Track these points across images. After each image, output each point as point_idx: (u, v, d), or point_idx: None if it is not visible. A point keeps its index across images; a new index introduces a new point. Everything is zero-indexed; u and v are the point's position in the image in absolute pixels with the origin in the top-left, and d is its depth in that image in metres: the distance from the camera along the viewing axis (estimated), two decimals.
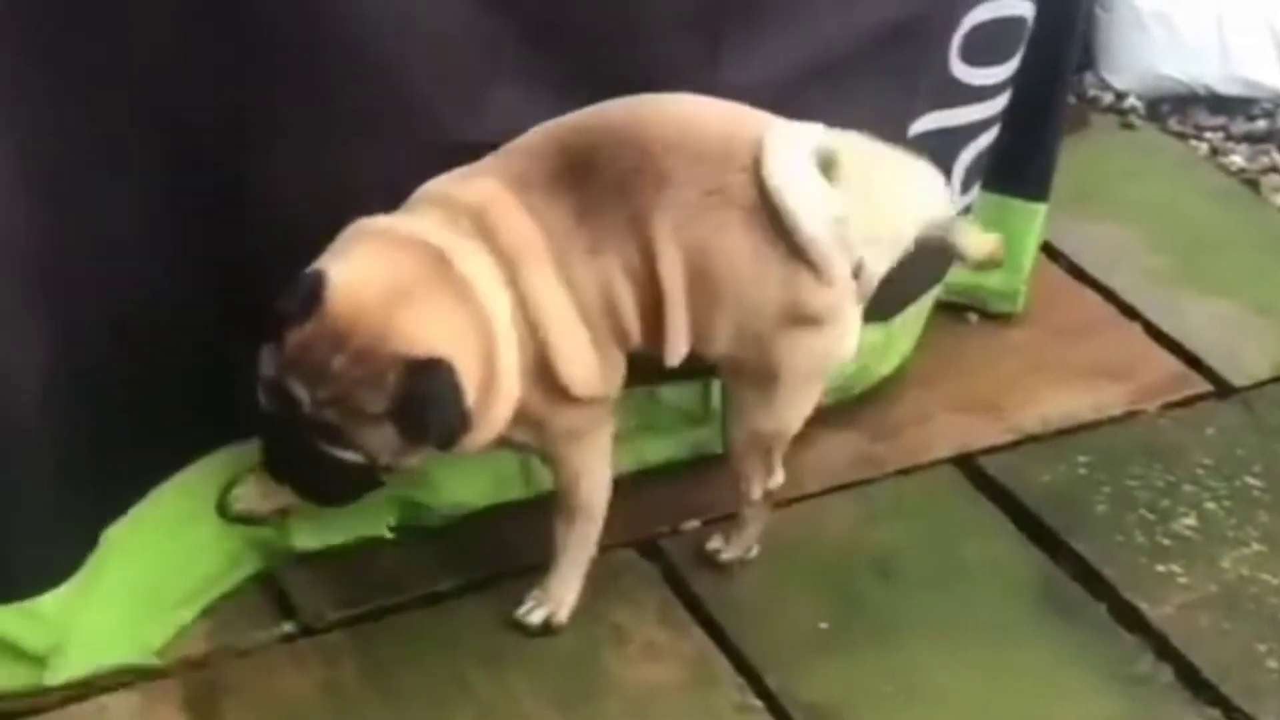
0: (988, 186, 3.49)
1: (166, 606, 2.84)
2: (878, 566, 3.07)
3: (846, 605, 2.99)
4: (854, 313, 2.74)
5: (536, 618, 2.87)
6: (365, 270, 2.43)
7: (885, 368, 3.43)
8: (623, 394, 2.77)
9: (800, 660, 2.87)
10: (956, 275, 3.54)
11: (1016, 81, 3.31)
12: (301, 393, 2.40)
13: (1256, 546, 3.16)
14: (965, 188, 3.35)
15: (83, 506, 2.69)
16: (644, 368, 2.74)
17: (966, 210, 3.40)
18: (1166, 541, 3.15)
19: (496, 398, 2.50)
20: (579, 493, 2.82)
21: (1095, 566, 3.08)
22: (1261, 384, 3.60)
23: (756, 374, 2.73)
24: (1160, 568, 3.10)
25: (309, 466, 2.50)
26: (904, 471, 3.30)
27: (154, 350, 2.69)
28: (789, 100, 2.89)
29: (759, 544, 3.02)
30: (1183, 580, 3.08)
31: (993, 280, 3.60)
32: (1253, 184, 4.36)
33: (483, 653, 2.84)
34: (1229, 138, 4.57)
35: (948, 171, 3.28)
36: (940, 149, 3.22)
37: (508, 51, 2.76)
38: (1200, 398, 3.55)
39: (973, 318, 3.69)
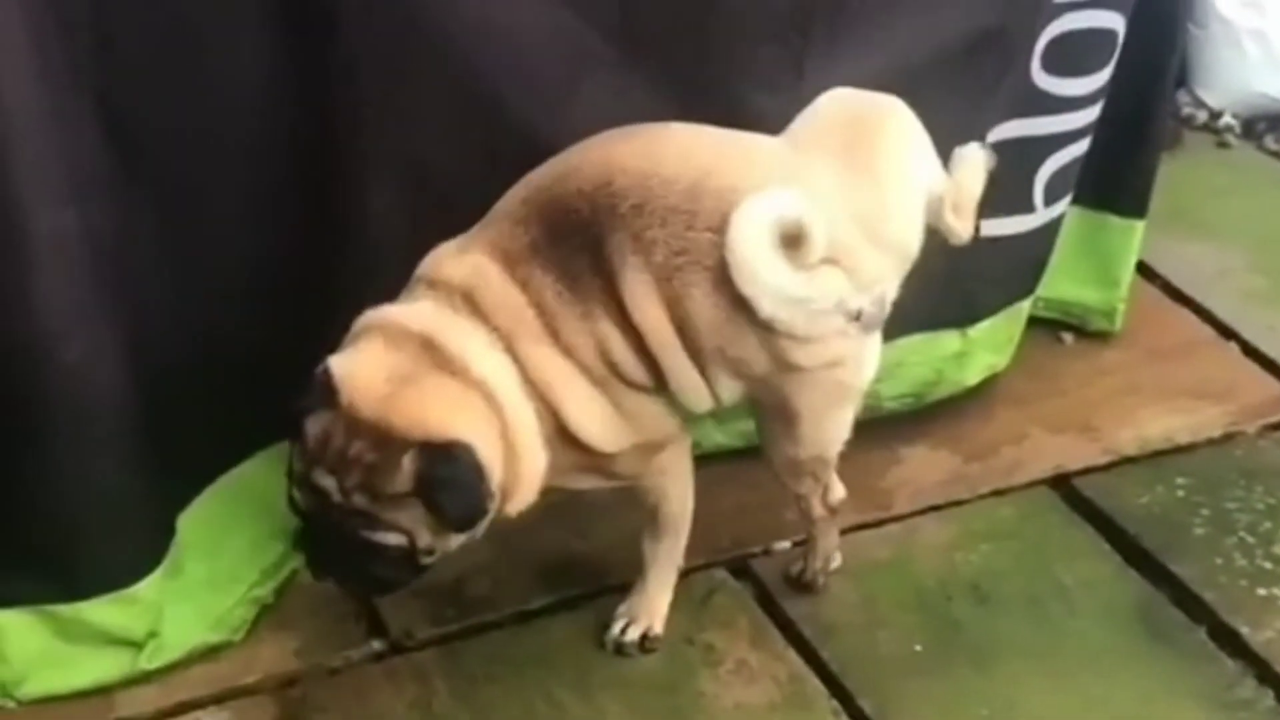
0: (1084, 203, 3.47)
1: (245, 586, 2.90)
2: (972, 589, 3.04)
3: (941, 627, 2.96)
4: (860, 346, 2.67)
5: (632, 635, 2.85)
6: (371, 360, 2.44)
7: (967, 377, 3.40)
8: None
9: (894, 683, 2.84)
10: (1052, 291, 3.52)
11: (1113, 97, 3.28)
12: (329, 482, 2.41)
13: None
14: (1050, 200, 3.32)
15: (160, 495, 2.75)
16: None
17: (1054, 224, 3.37)
18: (1267, 565, 3.10)
19: (522, 469, 2.48)
20: (663, 513, 2.81)
21: (1195, 590, 3.03)
22: None
23: (775, 410, 2.69)
24: (1261, 591, 3.05)
25: (352, 560, 2.49)
26: (998, 492, 3.26)
27: (222, 344, 2.74)
28: None
29: (840, 558, 3.00)
30: None
31: (1091, 297, 3.58)
32: None
33: (574, 672, 2.82)
34: None
35: (1029, 181, 3.27)
36: (1021, 157, 3.23)
37: (594, 55, 2.78)
38: None
39: (1068, 338, 3.66)
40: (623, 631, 2.85)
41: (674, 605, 2.88)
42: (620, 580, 2.91)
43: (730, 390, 2.61)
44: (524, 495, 2.50)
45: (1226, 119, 4.57)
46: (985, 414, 3.43)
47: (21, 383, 2.56)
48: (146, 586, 2.75)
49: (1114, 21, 3.18)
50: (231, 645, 2.85)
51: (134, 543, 2.76)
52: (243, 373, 2.75)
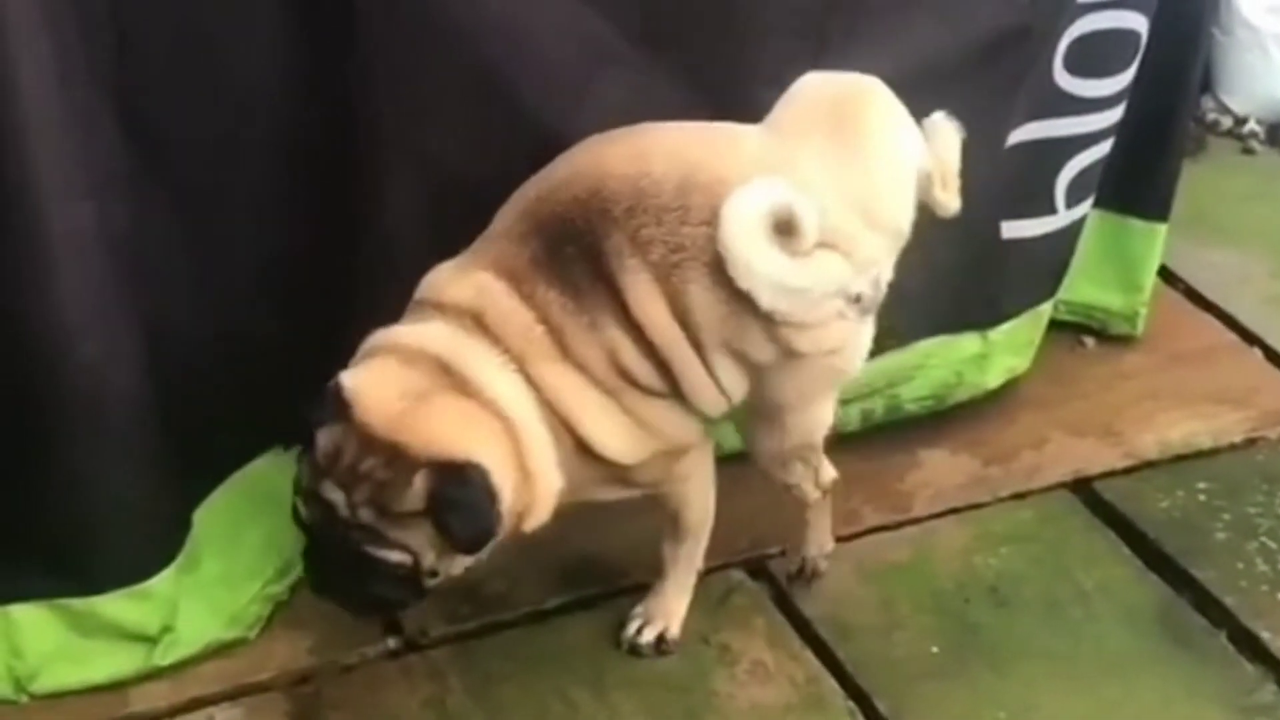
0: (1107, 206, 3.45)
1: (260, 583, 2.89)
2: (991, 592, 3.02)
3: (959, 630, 2.94)
4: (856, 332, 2.66)
5: (648, 636, 2.84)
6: (385, 377, 2.43)
7: (988, 380, 3.39)
8: None
9: (911, 684, 2.83)
10: (1073, 294, 3.50)
11: (1136, 99, 3.26)
12: (336, 496, 2.39)
13: None
14: (1072, 202, 3.31)
15: (176, 490, 2.75)
16: None
17: (1075, 226, 3.35)
18: None
19: (536, 492, 2.46)
20: (684, 519, 2.79)
21: (1215, 595, 3.02)
22: None
23: (767, 401, 2.67)
24: None
25: (353, 578, 2.46)
26: (1018, 496, 3.24)
27: (239, 340, 2.74)
28: None
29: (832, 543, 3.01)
30: None
31: (1113, 301, 3.56)
32: None
33: (589, 671, 2.81)
34: None
35: (1051, 183, 3.25)
36: (1043, 159, 3.22)
37: (612, 52, 2.78)
38: None
39: (1089, 342, 3.64)
40: (638, 632, 2.84)
41: (691, 605, 2.87)
42: (637, 581, 2.90)
43: (738, 385, 2.59)
44: (538, 516, 2.48)
45: (1251, 125, 4.54)
46: (1005, 417, 3.42)
47: (39, 378, 2.56)
48: (161, 581, 2.75)
49: (1137, 22, 3.17)
50: (245, 641, 2.85)
51: (149, 538, 2.76)
52: (259, 369, 2.76)
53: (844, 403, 3.23)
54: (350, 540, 2.39)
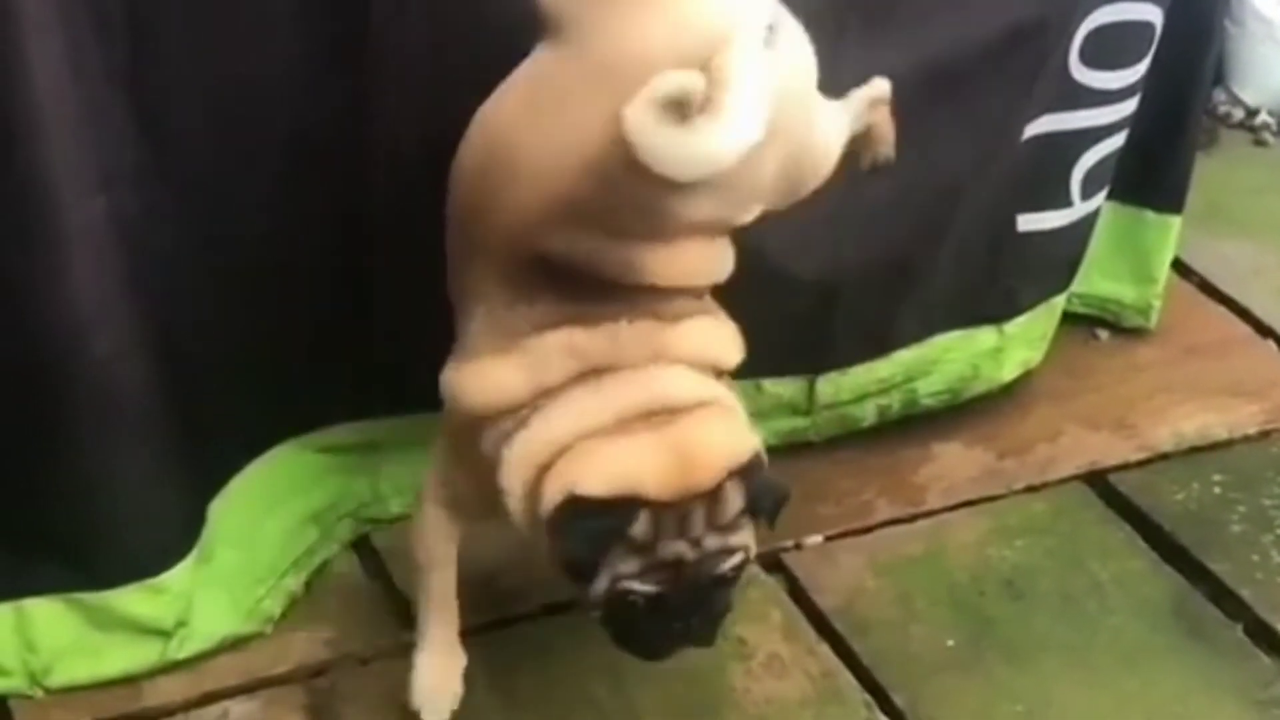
0: (1120, 198, 3.45)
1: (275, 576, 2.89)
2: (1006, 585, 3.02)
3: (974, 623, 2.94)
4: None
5: None
6: (623, 458, 2.33)
7: (1003, 373, 3.38)
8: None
9: (927, 678, 2.83)
10: (1087, 287, 3.50)
11: (1150, 90, 3.26)
12: (678, 548, 2.33)
13: None
14: (1087, 194, 3.30)
15: (190, 483, 2.75)
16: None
17: (1090, 219, 3.35)
18: None
19: None
20: None
21: (1231, 587, 3.01)
22: None
23: None
24: None
25: (708, 607, 2.44)
26: (1033, 488, 3.24)
27: (252, 333, 2.73)
28: (905, 100, 2.88)
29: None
30: None
31: (1127, 294, 3.56)
32: None
33: (605, 664, 2.79)
34: None
35: (1066, 175, 3.25)
36: (1058, 151, 3.21)
37: None
38: None
39: (1103, 334, 3.63)
40: None
41: None
42: None
43: None
44: None
45: (1263, 117, 4.53)
46: (1020, 410, 3.41)
47: (51, 371, 2.56)
48: (176, 575, 2.75)
49: (1151, 14, 3.16)
50: (261, 635, 2.84)
51: (163, 532, 2.75)
52: (271, 361, 2.75)
53: (860, 399, 3.25)
54: (703, 572, 2.36)
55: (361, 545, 3.02)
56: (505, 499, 2.39)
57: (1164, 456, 3.33)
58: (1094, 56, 3.13)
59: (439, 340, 2.61)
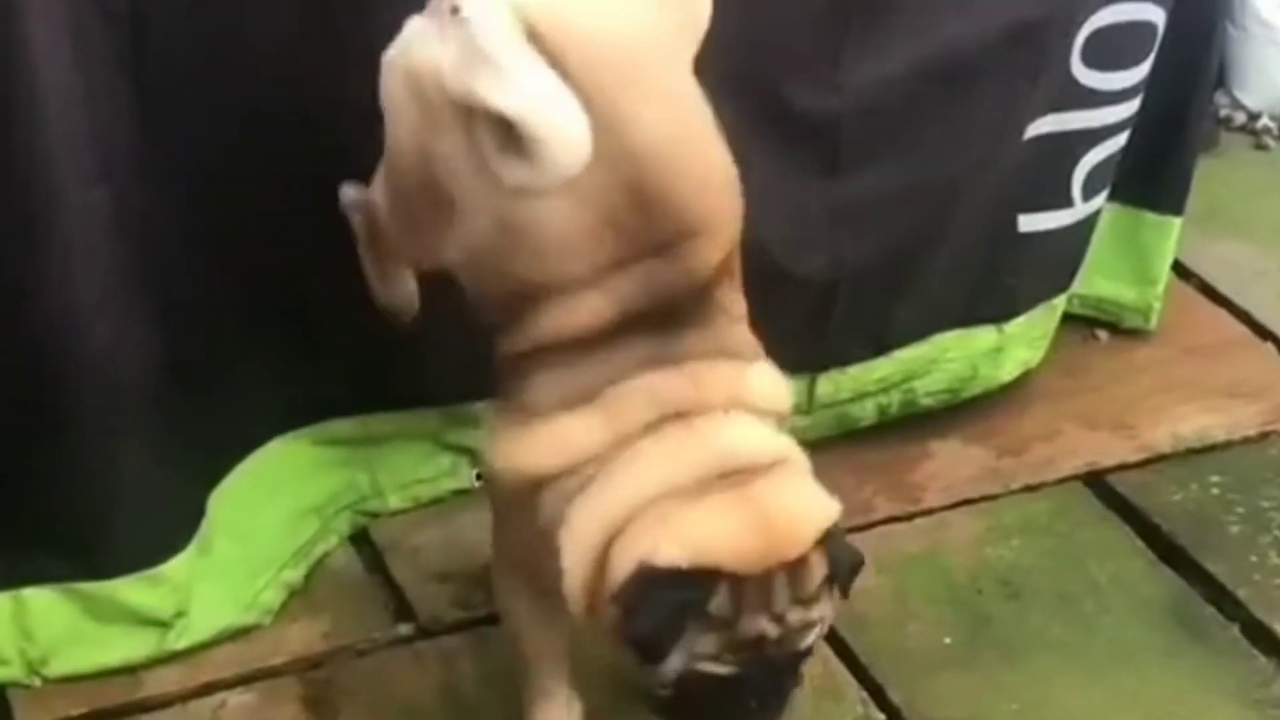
0: (1121, 199, 3.45)
1: (274, 568, 2.89)
2: (1003, 583, 3.02)
3: (971, 622, 2.94)
4: None
5: None
6: (699, 525, 2.18)
7: (1001, 374, 3.38)
8: None
9: (924, 676, 2.83)
10: (1088, 288, 3.50)
11: (1152, 92, 3.26)
12: (761, 624, 2.18)
13: None
14: (1088, 194, 3.30)
15: (190, 473, 2.75)
16: None
17: (1091, 219, 3.35)
18: None
19: None
20: None
21: (1228, 588, 3.01)
22: None
23: None
24: None
25: (785, 686, 2.31)
26: (1031, 488, 3.24)
27: (253, 323, 2.74)
28: (907, 99, 2.90)
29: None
30: None
31: (1127, 295, 3.56)
32: None
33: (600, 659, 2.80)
34: None
35: (1068, 176, 3.25)
36: (1059, 152, 3.22)
37: None
38: None
39: (1103, 335, 3.63)
40: None
41: None
42: None
43: None
44: None
45: (1264, 121, 4.52)
46: (1018, 410, 3.41)
47: (51, 360, 2.56)
48: (175, 566, 2.75)
49: (1154, 14, 3.16)
50: (259, 627, 2.84)
51: (163, 522, 2.75)
52: (273, 351, 2.76)
53: (859, 398, 3.25)
54: (784, 649, 2.23)
55: (360, 539, 3.02)
56: (562, 575, 2.23)
57: (1162, 457, 3.33)
58: (1096, 57, 3.13)
59: (440, 334, 2.62)
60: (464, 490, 3.05)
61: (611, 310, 2.23)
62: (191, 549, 2.77)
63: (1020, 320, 3.35)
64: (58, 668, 2.74)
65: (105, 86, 2.46)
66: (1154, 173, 3.46)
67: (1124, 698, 2.80)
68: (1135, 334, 3.63)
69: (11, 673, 2.73)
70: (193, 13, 2.52)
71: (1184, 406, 3.45)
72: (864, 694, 2.79)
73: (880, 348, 3.25)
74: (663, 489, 2.18)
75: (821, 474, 3.07)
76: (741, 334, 2.35)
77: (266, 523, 2.89)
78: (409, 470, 3.03)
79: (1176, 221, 3.54)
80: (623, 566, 2.15)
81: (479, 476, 2.94)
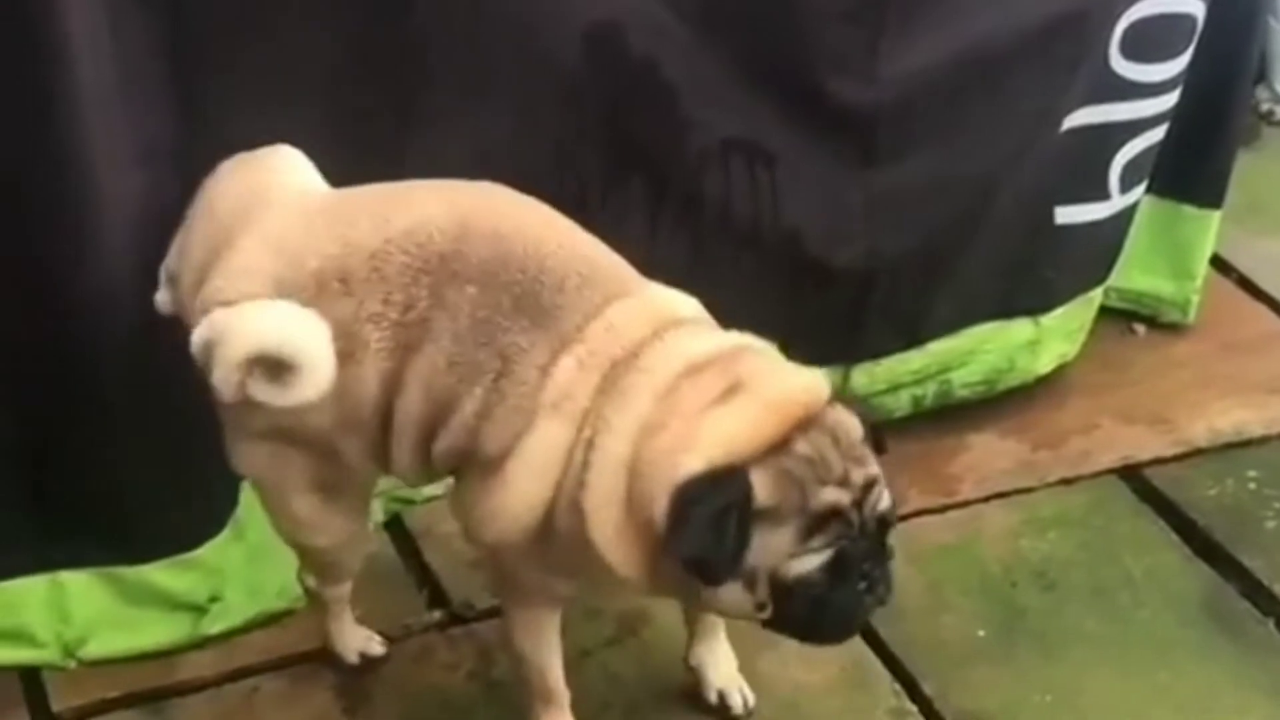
0: (1159, 192, 3.44)
1: None
2: (1038, 576, 3.01)
3: (1005, 614, 2.93)
4: None
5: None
6: (694, 418, 2.18)
7: (1039, 366, 3.37)
8: None
9: (957, 667, 2.82)
10: (1125, 282, 3.49)
11: (1192, 85, 3.24)
12: (834, 494, 2.17)
13: None
14: (1125, 187, 3.29)
15: (223, 461, 2.72)
16: None
17: (1129, 212, 3.34)
18: None
19: None
20: None
21: (1264, 583, 3.00)
22: None
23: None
24: None
25: (886, 559, 2.29)
26: (1067, 481, 3.23)
27: None
28: (944, 90, 2.89)
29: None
30: None
31: (1165, 289, 3.55)
32: None
33: (635, 649, 2.82)
34: None
35: (1105, 168, 3.24)
36: (1097, 144, 3.20)
37: (669, 36, 2.78)
38: None
39: (1140, 329, 3.62)
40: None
41: None
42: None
43: None
44: None
45: None
46: (1055, 403, 3.40)
47: (87, 344, 2.58)
48: (209, 551, 2.77)
49: (1193, 6, 3.14)
50: (293, 613, 2.85)
51: (196, 507, 2.77)
52: None
53: (895, 388, 3.24)
54: (866, 511, 2.21)
55: (394, 525, 3.03)
56: (604, 562, 2.22)
57: (1199, 451, 3.31)
58: (1135, 49, 3.12)
59: None
60: None
61: None
62: (226, 534, 2.79)
63: (1057, 313, 3.35)
64: (93, 650, 2.76)
65: (142, 70, 2.47)
66: (1193, 166, 3.44)
67: (1158, 692, 2.79)
68: (1173, 328, 3.61)
69: (47, 655, 2.75)
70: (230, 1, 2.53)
71: (1221, 401, 3.43)
72: (897, 686, 2.79)
73: (916, 339, 3.25)
74: (643, 428, 2.18)
75: None
76: (603, 281, 2.31)
77: None
78: None
79: (1215, 215, 3.52)
80: (659, 512, 2.13)
81: None
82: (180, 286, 2.40)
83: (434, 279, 2.24)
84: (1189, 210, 3.50)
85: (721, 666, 2.71)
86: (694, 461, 2.13)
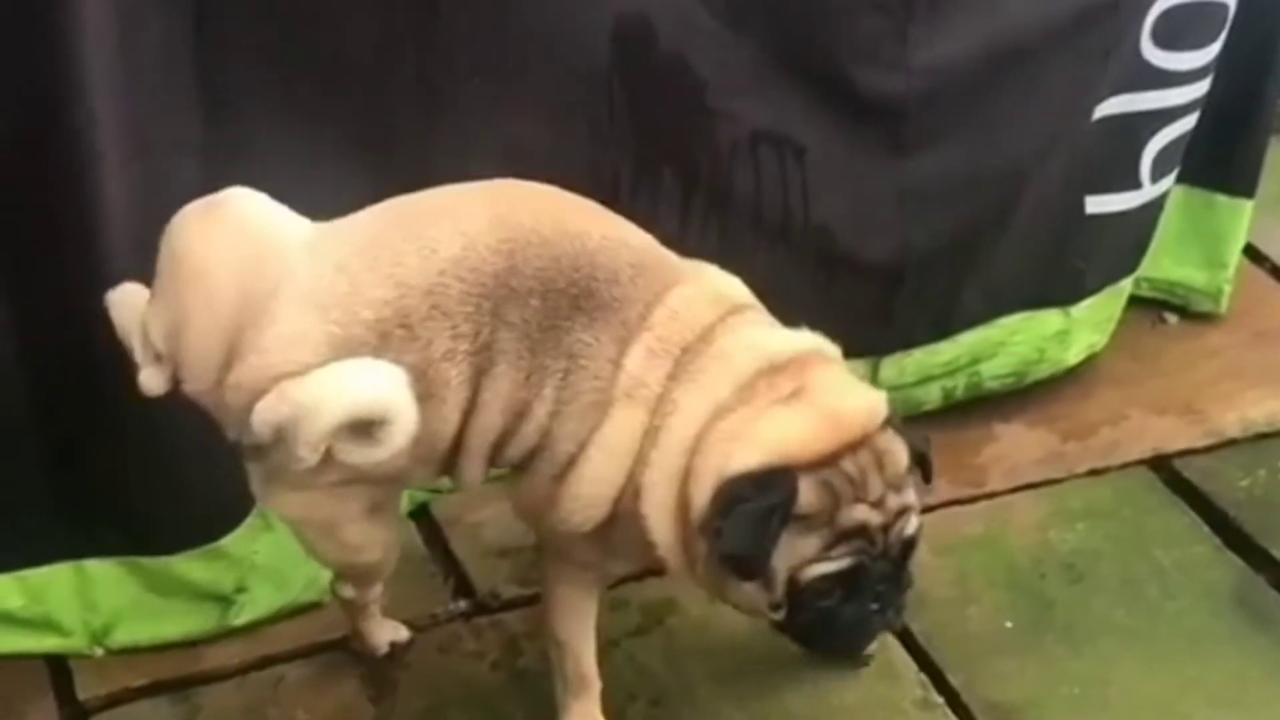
0: (1191, 181, 3.42)
1: None
2: (1066, 567, 3.00)
3: (1033, 605, 2.92)
4: None
5: None
6: (788, 423, 2.22)
7: (1068, 356, 3.36)
8: None
9: (984, 659, 2.81)
10: (1157, 271, 3.47)
11: (1223, 74, 3.22)
12: (860, 515, 2.21)
13: None
14: (1157, 176, 3.27)
15: None
16: None
17: (1160, 201, 3.32)
18: None
19: None
20: None
21: None
22: None
23: None
24: None
25: (901, 582, 2.33)
26: (1095, 472, 3.21)
27: None
28: (974, 79, 2.87)
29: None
30: None
31: (1196, 278, 3.53)
32: None
33: (660, 638, 2.82)
34: None
35: (1136, 157, 3.22)
36: (1128, 133, 3.18)
37: (697, 27, 2.77)
38: None
39: (1171, 319, 3.60)
40: None
41: None
42: None
43: None
44: None
45: None
46: (1084, 393, 3.39)
47: (109, 335, 2.56)
48: (234, 542, 2.77)
49: None
50: (320, 604, 2.85)
51: (221, 498, 2.75)
52: None
53: (924, 381, 3.23)
54: (892, 537, 2.26)
55: (420, 514, 3.03)
56: (655, 547, 2.27)
57: (1230, 442, 3.29)
58: (1166, 37, 3.10)
59: None
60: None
61: None
62: (252, 525, 2.78)
63: (1087, 303, 3.33)
64: (119, 639, 2.77)
65: (157, 63, 2.47)
66: (1225, 155, 3.42)
67: (1187, 684, 2.77)
68: (1205, 318, 3.59)
69: (74, 643, 2.76)
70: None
71: (1253, 391, 3.41)
72: (923, 676, 2.78)
73: (946, 331, 3.23)
74: (715, 413, 2.22)
75: None
76: (655, 268, 2.33)
77: None
78: None
79: (1248, 204, 3.50)
80: (701, 496, 2.19)
81: None
82: (189, 370, 2.28)
83: (494, 301, 2.23)
84: (1221, 199, 3.48)
85: None
86: (747, 457, 2.17)
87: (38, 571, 2.72)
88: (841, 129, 2.93)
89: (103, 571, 2.73)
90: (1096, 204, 3.23)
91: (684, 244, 2.52)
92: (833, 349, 2.35)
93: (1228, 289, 3.56)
